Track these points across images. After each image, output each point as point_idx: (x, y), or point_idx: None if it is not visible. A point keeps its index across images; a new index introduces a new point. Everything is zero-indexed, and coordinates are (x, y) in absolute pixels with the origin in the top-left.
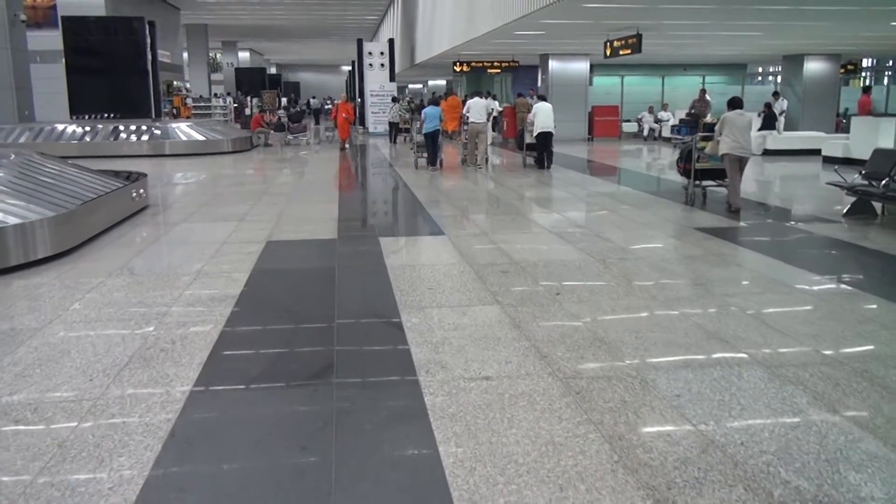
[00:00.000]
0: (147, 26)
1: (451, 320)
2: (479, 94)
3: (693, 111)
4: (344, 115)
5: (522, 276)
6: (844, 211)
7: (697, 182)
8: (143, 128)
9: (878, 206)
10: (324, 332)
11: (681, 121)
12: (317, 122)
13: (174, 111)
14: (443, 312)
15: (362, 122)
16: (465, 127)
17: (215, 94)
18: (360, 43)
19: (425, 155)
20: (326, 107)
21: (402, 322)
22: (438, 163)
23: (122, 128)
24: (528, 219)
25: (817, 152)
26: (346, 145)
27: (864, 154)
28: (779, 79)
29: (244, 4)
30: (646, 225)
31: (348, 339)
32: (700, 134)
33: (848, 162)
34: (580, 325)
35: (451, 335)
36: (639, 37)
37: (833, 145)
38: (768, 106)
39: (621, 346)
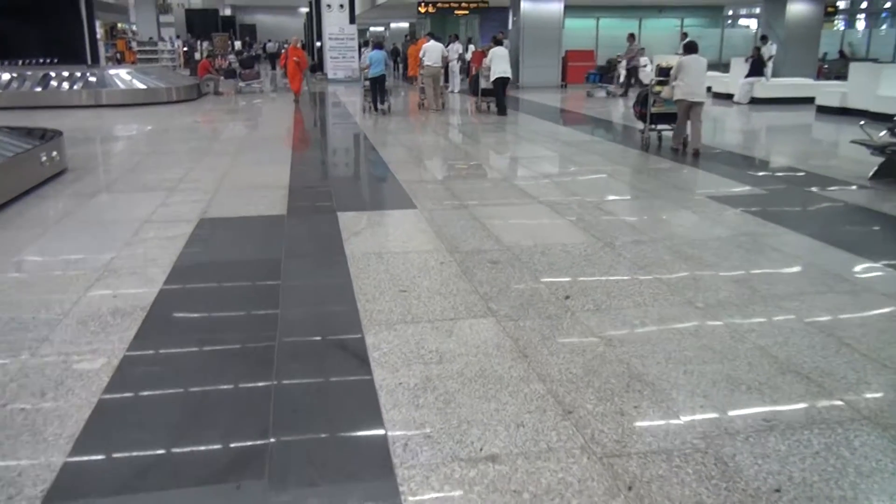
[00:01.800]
0: None
1: (433, 345)
2: (434, 37)
3: (617, 58)
4: (295, 59)
5: (517, 268)
6: (871, 174)
7: (653, 126)
8: (78, 75)
9: None
10: (258, 372)
11: (598, 66)
12: (273, 68)
13: (118, 56)
14: (421, 331)
15: (321, 67)
16: (422, 70)
17: (161, 38)
18: None
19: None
20: (284, 51)
21: (367, 350)
22: (388, 107)
23: (53, 74)
24: (510, 184)
25: (808, 100)
26: (296, 97)
27: (863, 104)
28: (753, 22)
29: None
30: (647, 192)
31: (289, 395)
32: (656, 78)
33: (844, 112)
34: (606, 352)
35: (435, 372)
36: None
37: (828, 94)
38: (757, 50)
39: (669, 389)
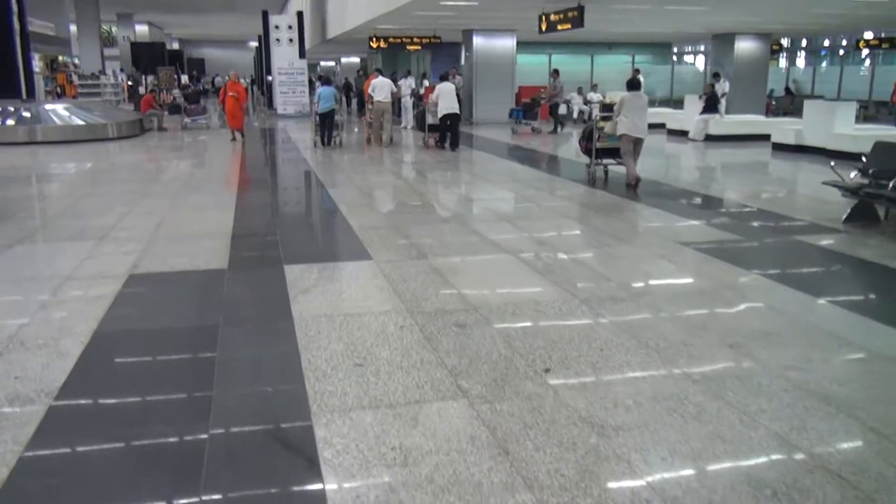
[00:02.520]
0: None
1: (396, 439)
2: (382, 73)
3: (541, 96)
4: (233, 94)
5: (487, 333)
6: (844, 217)
7: (598, 160)
8: (11, 109)
9: (880, 210)
10: (182, 486)
11: (523, 103)
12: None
13: (58, 90)
14: (381, 419)
15: (270, 103)
16: (370, 106)
17: (104, 72)
18: (265, 15)
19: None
20: (222, 86)
21: (317, 446)
22: (337, 141)
23: None
24: (470, 229)
25: (762, 137)
26: (238, 135)
27: (819, 141)
28: (699, 59)
29: None
30: (615, 237)
31: None
32: (600, 114)
33: (801, 150)
34: (600, 445)
35: (400, 479)
36: (580, 9)
37: (784, 131)
38: (711, 87)
39: (682, 496)
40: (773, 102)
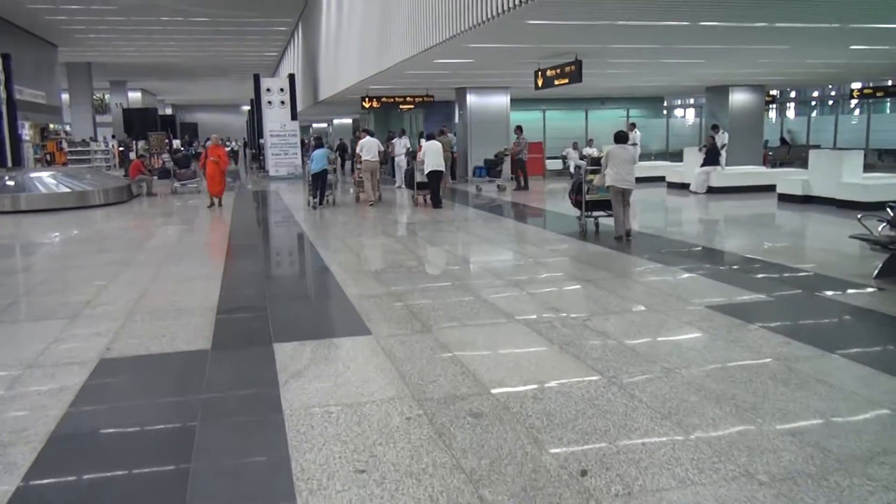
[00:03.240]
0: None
1: None
2: (370, 133)
3: (505, 152)
4: (213, 159)
5: (508, 424)
6: (875, 273)
7: (588, 213)
8: None
9: None
10: None
11: (485, 160)
12: None
13: (47, 158)
14: None
15: (262, 165)
16: (359, 165)
17: (92, 138)
18: (256, 79)
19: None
20: (227, 149)
21: None
22: (329, 200)
23: None
24: (475, 295)
25: (764, 189)
26: (217, 202)
27: (827, 192)
28: (689, 112)
29: (130, 41)
30: (634, 300)
31: None
32: (589, 167)
33: (808, 200)
34: None
35: None
36: (578, 64)
37: (790, 182)
38: (711, 139)
39: None
40: (770, 153)
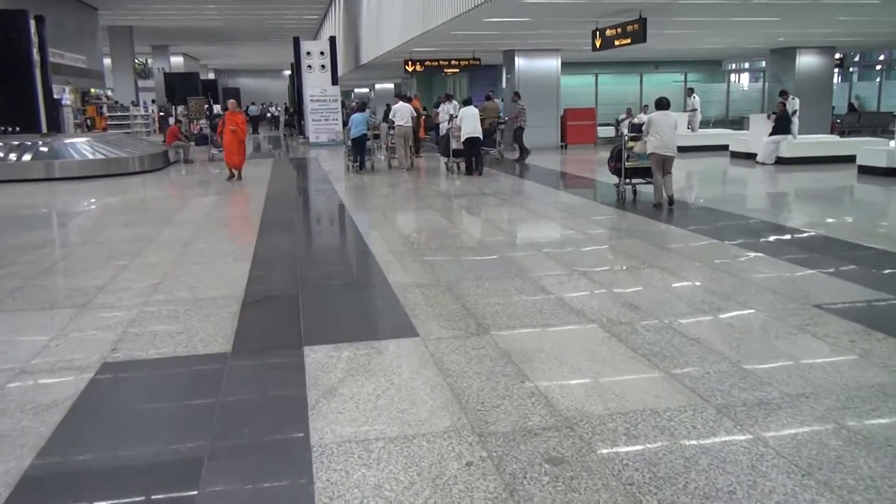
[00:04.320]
0: (33, 21)
1: None
2: (403, 98)
3: (500, 119)
4: (232, 127)
5: (597, 476)
6: None
7: (628, 180)
8: (28, 144)
9: None
10: None
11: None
12: (255, 132)
13: (87, 123)
14: None
15: (302, 131)
16: (392, 131)
17: (133, 103)
18: (296, 42)
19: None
20: (268, 114)
21: None
22: (370, 166)
23: (0, 144)
24: (536, 285)
25: (839, 160)
26: (236, 174)
27: None
28: (743, 78)
29: (172, 3)
30: (726, 296)
31: None
32: (629, 133)
33: (892, 173)
34: None
35: None
36: (642, 22)
37: (872, 153)
38: (781, 105)
39: None
40: (839, 121)
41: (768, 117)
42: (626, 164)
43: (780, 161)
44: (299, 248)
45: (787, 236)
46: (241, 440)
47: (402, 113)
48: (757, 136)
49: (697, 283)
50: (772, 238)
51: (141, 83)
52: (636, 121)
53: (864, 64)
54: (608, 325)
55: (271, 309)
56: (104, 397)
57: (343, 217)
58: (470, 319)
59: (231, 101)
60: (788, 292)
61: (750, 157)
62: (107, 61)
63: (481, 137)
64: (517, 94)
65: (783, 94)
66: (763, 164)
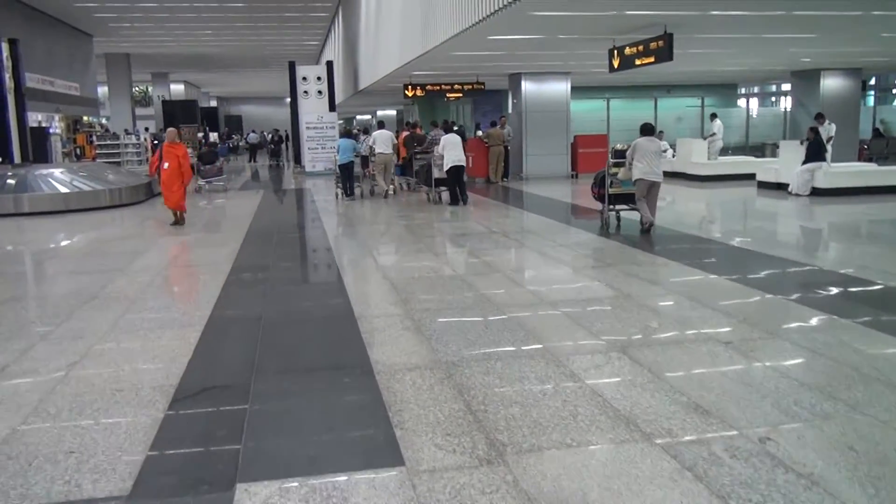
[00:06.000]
0: (5, 45)
1: None
2: (383, 126)
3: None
4: (166, 164)
5: None
6: None
7: (612, 206)
8: None
9: None
10: None
11: (402, 159)
12: (252, 160)
13: (76, 152)
14: None
15: (297, 160)
16: (373, 158)
17: (126, 131)
18: (292, 66)
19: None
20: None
21: None
22: (359, 193)
23: None
24: (560, 364)
25: (883, 191)
26: (179, 216)
27: None
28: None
29: (169, 30)
30: (812, 385)
31: None
32: (612, 160)
33: None
34: None
35: None
36: (668, 38)
37: None
38: (814, 131)
39: None
40: (866, 147)
41: (801, 143)
42: (610, 190)
43: (815, 192)
44: (268, 308)
45: (859, 289)
46: None
47: (383, 140)
48: (788, 164)
49: (777, 367)
50: (844, 293)
51: (141, 111)
52: (619, 147)
53: (882, 87)
54: (674, 445)
55: (207, 411)
56: None
57: (327, 264)
58: (478, 433)
59: (170, 130)
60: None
61: (780, 187)
62: (105, 89)
63: (464, 165)
64: (434, 124)
65: (819, 117)
66: (797, 195)
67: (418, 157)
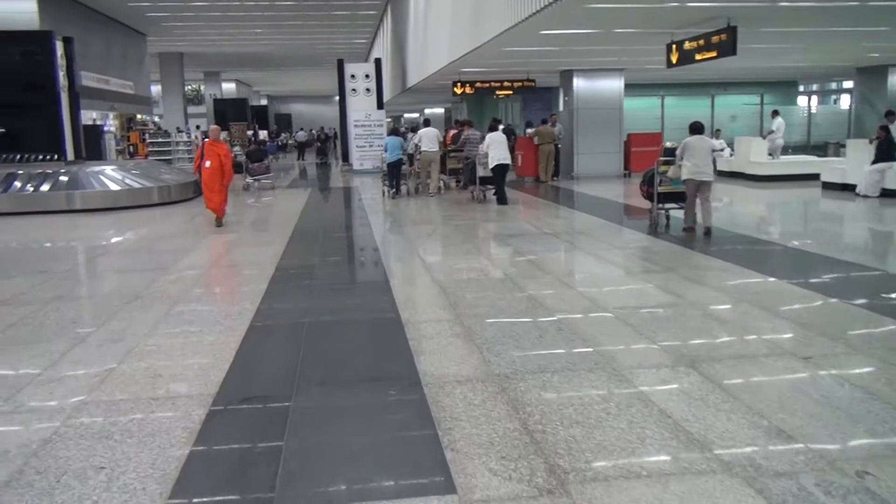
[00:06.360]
0: (59, 44)
1: None
2: (429, 123)
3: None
4: (207, 162)
5: None
6: None
7: (661, 205)
8: (49, 173)
9: None
10: None
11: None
12: (300, 158)
13: (130, 150)
14: None
15: (346, 157)
16: (418, 156)
17: (178, 129)
18: (340, 64)
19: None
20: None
21: None
22: (406, 191)
23: (20, 173)
24: (624, 380)
25: None
26: (218, 220)
27: None
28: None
29: (220, 29)
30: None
31: None
32: (661, 158)
33: None
34: None
35: None
36: (731, 31)
37: None
38: (885, 130)
39: None
40: None
41: (870, 142)
42: (659, 188)
43: (886, 193)
44: (312, 312)
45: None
46: None
47: (429, 138)
48: (855, 164)
49: (867, 388)
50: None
51: (193, 109)
52: (670, 145)
53: None
54: (757, 477)
55: (244, 423)
56: None
57: (374, 266)
58: (536, 458)
59: (213, 128)
60: None
61: (847, 188)
62: (158, 87)
63: (509, 164)
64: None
65: (889, 115)
66: (865, 196)
67: (451, 155)
